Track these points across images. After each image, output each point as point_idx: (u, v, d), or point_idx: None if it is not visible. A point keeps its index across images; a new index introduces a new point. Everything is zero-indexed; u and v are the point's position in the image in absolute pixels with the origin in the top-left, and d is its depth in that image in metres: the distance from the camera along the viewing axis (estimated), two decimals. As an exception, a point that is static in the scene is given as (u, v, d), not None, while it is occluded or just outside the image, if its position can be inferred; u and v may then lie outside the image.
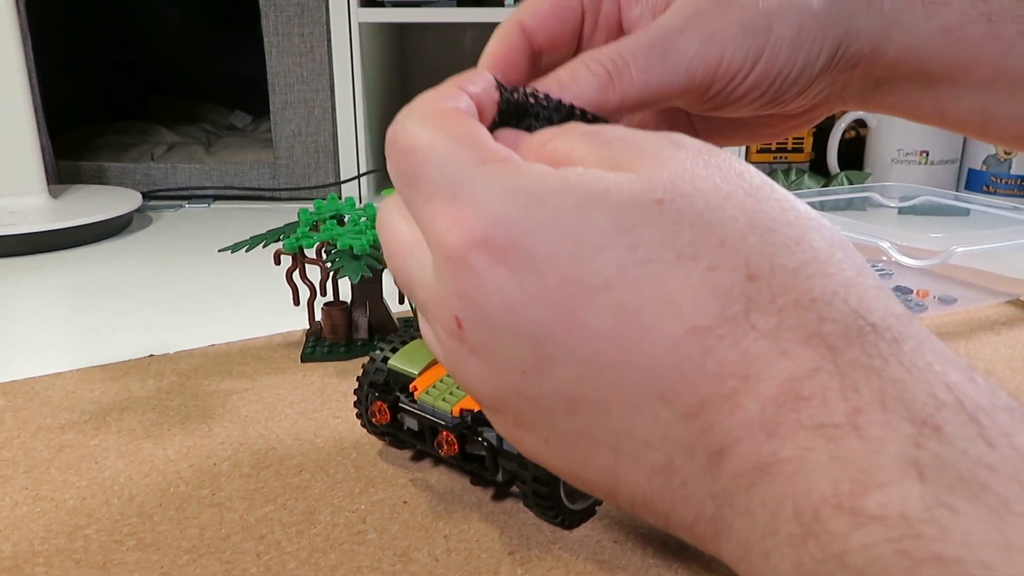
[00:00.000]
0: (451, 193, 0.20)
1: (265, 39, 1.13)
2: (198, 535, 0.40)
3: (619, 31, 0.30)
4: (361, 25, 1.12)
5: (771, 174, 1.18)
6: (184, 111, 1.46)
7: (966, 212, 0.83)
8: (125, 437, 0.50)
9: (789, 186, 1.15)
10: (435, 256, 0.21)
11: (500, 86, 0.25)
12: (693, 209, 0.19)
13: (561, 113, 0.25)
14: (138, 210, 1.05)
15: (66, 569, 0.38)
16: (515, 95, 0.25)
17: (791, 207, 0.20)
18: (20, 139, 0.97)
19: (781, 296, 0.18)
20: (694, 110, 0.30)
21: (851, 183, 1.12)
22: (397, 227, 0.24)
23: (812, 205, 0.77)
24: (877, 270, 0.80)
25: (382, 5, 1.13)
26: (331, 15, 1.11)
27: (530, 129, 0.25)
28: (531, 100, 0.25)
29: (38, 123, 1.00)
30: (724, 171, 0.20)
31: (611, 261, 0.19)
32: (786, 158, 1.22)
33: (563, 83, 0.26)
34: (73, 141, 1.25)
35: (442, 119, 0.22)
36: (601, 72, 0.26)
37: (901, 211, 0.93)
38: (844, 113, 1.18)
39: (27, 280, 0.84)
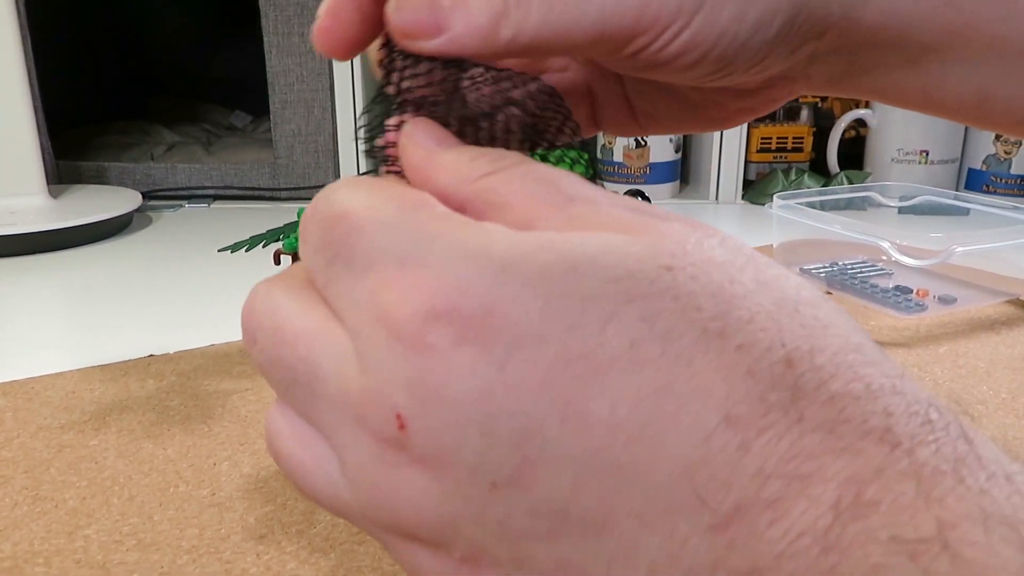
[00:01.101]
0: (398, 260, 0.16)
1: (265, 39, 1.13)
2: (198, 535, 0.40)
3: None
4: (361, 25, 1.12)
5: (771, 174, 1.18)
6: (184, 111, 1.46)
7: (966, 212, 0.83)
8: (125, 437, 0.50)
9: (789, 186, 1.15)
10: (371, 339, 0.16)
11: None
12: (709, 278, 0.15)
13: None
14: (138, 210, 1.05)
15: (66, 569, 0.38)
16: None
17: (804, 284, 0.17)
18: (20, 139, 0.97)
19: (831, 382, 0.15)
20: (619, 70, 0.25)
21: (851, 183, 1.12)
22: (287, 309, 0.18)
23: (812, 205, 0.78)
24: (877, 270, 0.80)
25: (382, 5, 1.13)
26: (331, 15, 1.11)
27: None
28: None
29: (38, 123, 1.00)
30: (724, 240, 0.17)
31: (622, 335, 0.15)
32: (786, 158, 1.22)
33: None
34: (73, 141, 1.25)
35: (379, 184, 0.18)
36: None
37: (901, 211, 0.93)
38: (844, 112, 1.18)
39: (27, 280, 0.84)
